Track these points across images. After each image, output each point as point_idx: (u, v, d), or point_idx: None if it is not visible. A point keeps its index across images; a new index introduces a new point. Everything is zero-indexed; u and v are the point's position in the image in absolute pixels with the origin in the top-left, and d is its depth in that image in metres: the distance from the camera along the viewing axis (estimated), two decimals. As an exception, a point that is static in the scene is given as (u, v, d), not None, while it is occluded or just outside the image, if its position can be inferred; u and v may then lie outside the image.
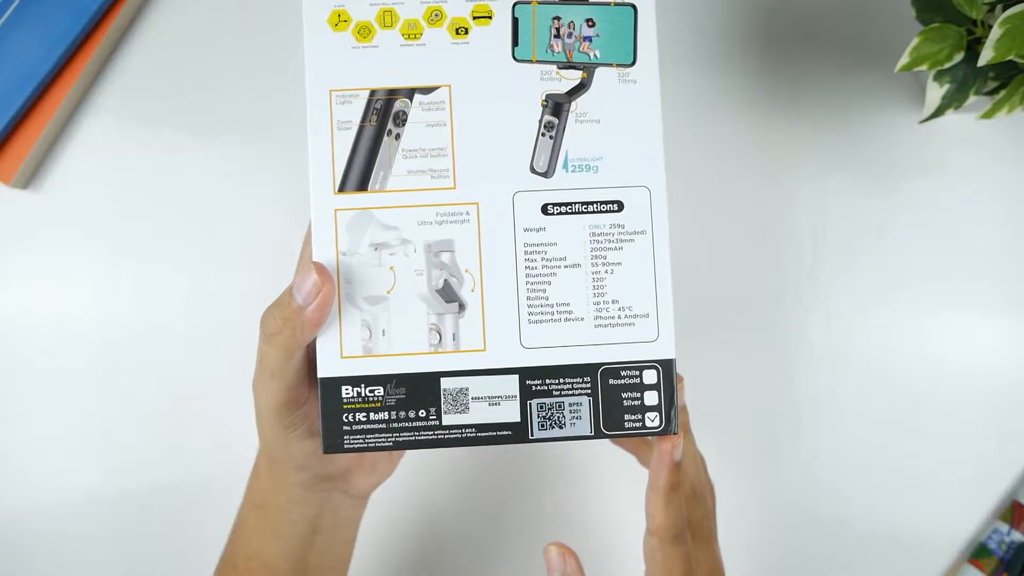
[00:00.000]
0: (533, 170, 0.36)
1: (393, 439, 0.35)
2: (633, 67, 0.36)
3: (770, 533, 0.53)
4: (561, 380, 0.36)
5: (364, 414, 0.35)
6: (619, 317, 0.36)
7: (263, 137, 0.55)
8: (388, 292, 0.35)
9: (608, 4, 0.36)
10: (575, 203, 0.36)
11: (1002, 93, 0.45)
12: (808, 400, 0.54)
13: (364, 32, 0.36)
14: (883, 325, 0.55)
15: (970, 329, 0.55)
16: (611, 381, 0.36)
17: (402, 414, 0.35)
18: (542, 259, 0.36)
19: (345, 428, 0.35)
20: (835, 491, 0.54)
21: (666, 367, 0.36)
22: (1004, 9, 0.42)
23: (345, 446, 0.35)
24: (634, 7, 0.36)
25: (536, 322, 0.36)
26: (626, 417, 0.36)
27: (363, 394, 0.35)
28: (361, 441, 0.35)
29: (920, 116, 0.47)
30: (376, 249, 0.35)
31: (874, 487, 0.54)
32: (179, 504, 0.53)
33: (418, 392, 0.35)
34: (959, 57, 0.45)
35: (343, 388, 0.35)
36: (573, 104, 0.36)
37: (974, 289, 0.55)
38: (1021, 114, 0.45)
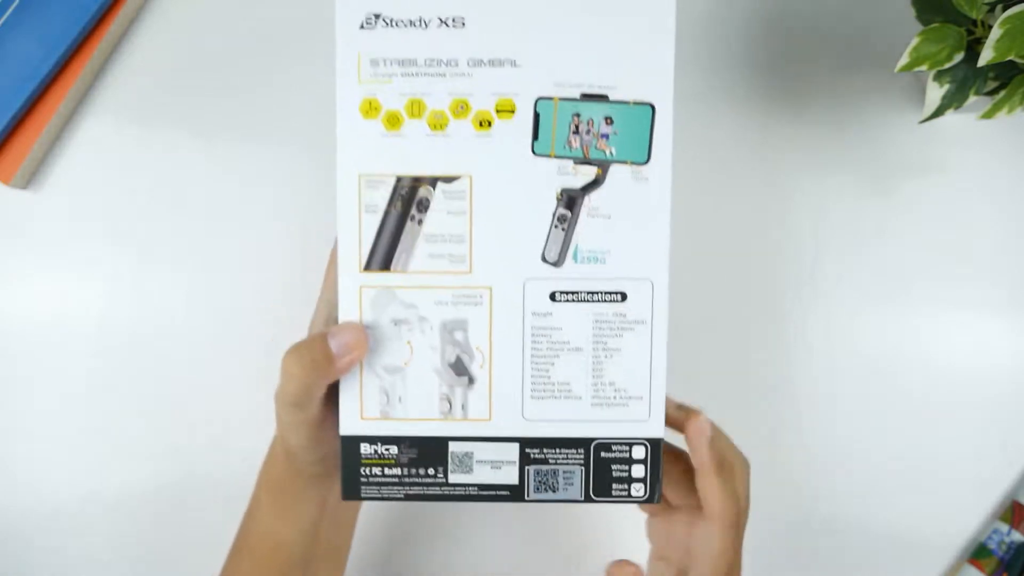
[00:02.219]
0: (544, 259, 0.38)
1: (404, 492, 0.39)
2: (646, 165, 0.38)
3: (770, 533, 0.53)
4: (557, 450, 0.39)
5: (379, 468, 0.39)
6: (614, 398, 0.39)
7: (263, 137, 0.55)
8: (405, 364, 0.38)
9: (627, 103, 0.37)
10: (581, 292, 0.38)
11: (1002, 93, 0.45)
12: (808, 400, 0.54)
13: (393, 121, 0.38)
14: (883, 325, 0.55)
15: (970, 329, 0.55)
16: (603, 454, 0.39)
17: (413, 471, 0.39)
18: (547, 342, 0.38)
19: (362, 479, 0.39)
20: (835, 491, 0.54)
21: (654, 444, 0.39)
22: (1004, 9, 0.42)
23: (362, 494, 0.39)
24: (652, 107, 0.37)
25: (538, 398, 0.39)
26: (614, 486, 0.39)
27: (379, 451, 0.39)
28: (376, 491, 0.39)
29: (920, 116, 0.47)
30: (396, 324, 0.38)
31: (874, 487, 0.54)
32: (179, 504, 0.53)
33: (428, 453, 0.39)
34: (959, 57, 0.45)
35: (362, 445, 0.39)
36: (586, 199, 0.38)
37: (974, 289, 0.55)
38: (1021, 114, 0.45)
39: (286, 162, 0.55)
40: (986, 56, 0.42)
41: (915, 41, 0.45)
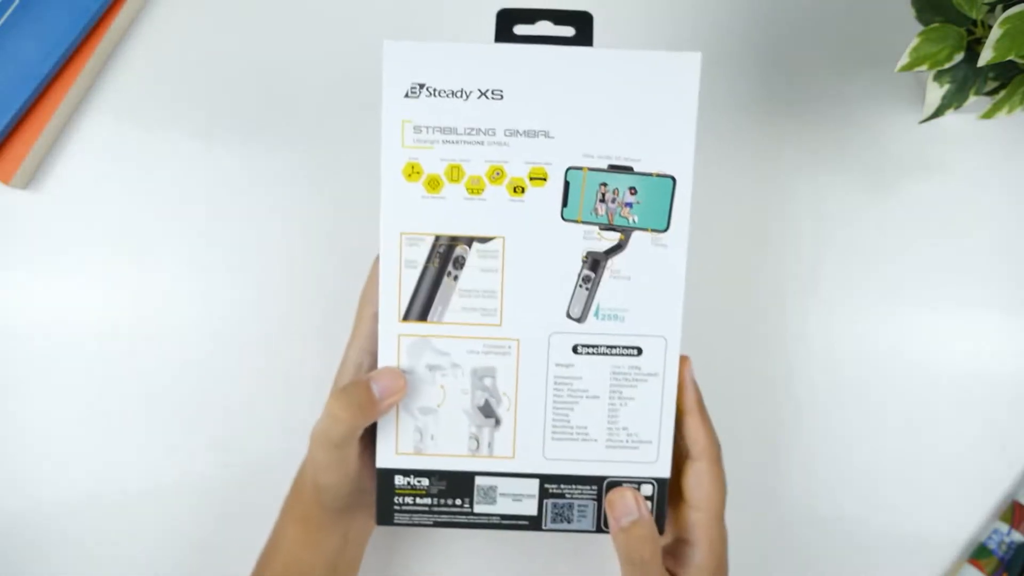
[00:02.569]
0: (569, 315, 0.41)
1: (433, 519, 0.43)
2: (666, 233, 0.41)
3: (770, 533, 0.53)
4: (573, 486, 0.42)
5: (411, 498, 0.42)
6: (627, 441, 0.42)
7: (263, 137, 0.55)
8: (438, 406, 0.42)
9: (651, 175, 0.41)
10: (601, 346, 0.42)
11: (1002, 93, 0.45)
12: (808, 400, 0.54)
13: (433, 184, 0.41)
14: (883, 325, 0.55)
15: (970, 329, 0.55)
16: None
17: (442, 501, 0.42)
18: (568, 390, 0.42)
19: (395, 507, 0.42)
20: (835, 491, 0.54)
21: (661, 483, 0.42)
22: (1004, 9, 0.42)
23: (395, 521, 0.43)
24: (674, 179, 0.41)
25: (558, 439, 0.42)
26: None
27: (412, 483, 0.42)
28: (407, 518, 0.43)
29: (920, 116, 0.47)
30: (431, 370, 0.42)
31: (874, 487, 0.54)
32: (179, 504, 0.53)
33: (456, 485, 0.42)
34: (959, 57, 0.45)
35: (396, 476, 0.42)
36: (609, 262, 0.41)
37: (974, 289, 0.55)
38: (1021, 114, 0.45)
39: (286, 162, 0.55)
40: (986, 56, 0.42)
41: (915, 41, 0.45)
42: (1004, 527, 0.53)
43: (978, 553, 0.53)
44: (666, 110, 0.40)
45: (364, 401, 0.40)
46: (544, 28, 0.41)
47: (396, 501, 0.42)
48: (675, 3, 0.56)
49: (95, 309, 0.54)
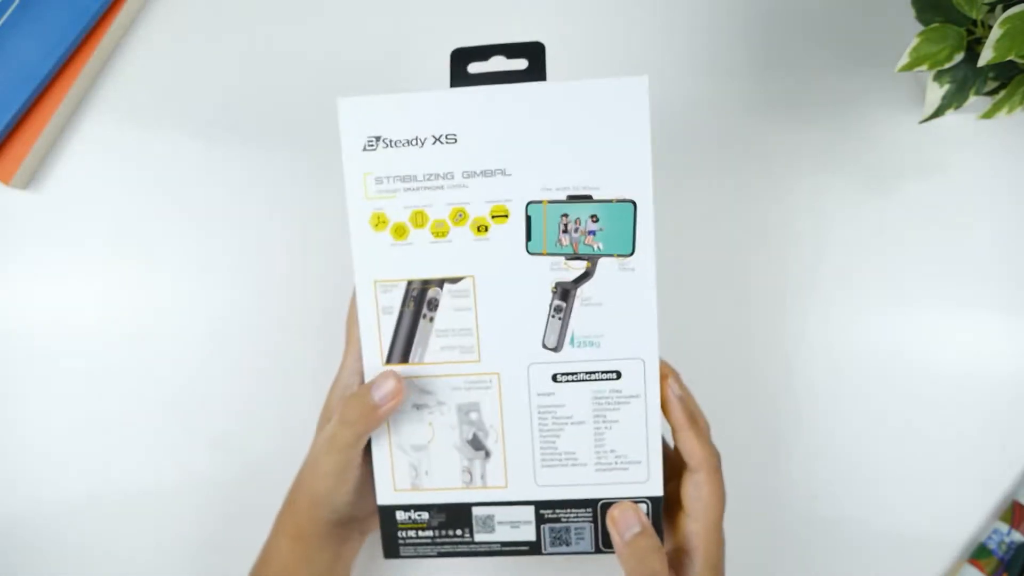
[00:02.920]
0: (545, 346, 0.42)
1: (437, 550, 0.44)
2: (632, 257, 0.41)
3: (770, 533, 0.53)
4: (568, 510, 0.43)
5: (414, 531, 0.44)
6: (616, 463, 0.43)
7: (263, 137, 0.55)
8: (428, 442, 0.43)
9: (610, 201, 0.41)
10: (580, 372, 0.42)
11: (1002, 93, 0.45)
12: (808, 400, 0.54)
13: (399, 231, 0.42)
14: (883, 325, 0.55)
15: (970, 329, 0.55)
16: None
17: (443, 532, 0.44)
18: (552, 417, 0.42)
19: (400, 541, 0.44)
20: (835, 491, 0.54)
21: (655, 502, 0.43)
22: (1004, 9, 0.42)
23: (401, 554, 0.44)
24: (634, 203, 0.41)
25: (548, 466, 0.43)
26: None
27: (412, 517, 0.44)
28: (412, 551, 0.44)
29: (920, 116, 0.47)
30: (418, 408, 0.43)
31: (874, 487, 0.54)
32: (179, 504, 0.53)
33: (455, 517, 0.43)
34: (959, 57, 0.45)
35: (397, 512, 0.44)
36: (579, 290, 0.41)
37: (974, 289, 0.55)
38: (1021, 114, 0.45)
39: (286, 163, 0.55)
40: (986, 56, 0.42)
41: (915, 41, 0.45)
42: (1004, 527, 0.53)
43: (978, 553, 0.53)
44: (620, 136, 0.40)
45: (368, 407, 0.41)
46: (498, 63, 0.42)
47: (400, 536, 0.44)
48: (676, 3, 0.56)
49: (95, 309, 0.54)
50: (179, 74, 0.55)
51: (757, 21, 0.57)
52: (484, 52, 0.42)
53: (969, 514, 0.54)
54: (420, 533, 0.44)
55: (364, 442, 0.42)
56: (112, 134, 0.55)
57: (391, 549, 0.44)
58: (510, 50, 0.42)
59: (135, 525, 0.53)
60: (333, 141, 0.55)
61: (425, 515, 0.43)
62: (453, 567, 0.52)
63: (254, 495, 0.52)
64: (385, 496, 0.43)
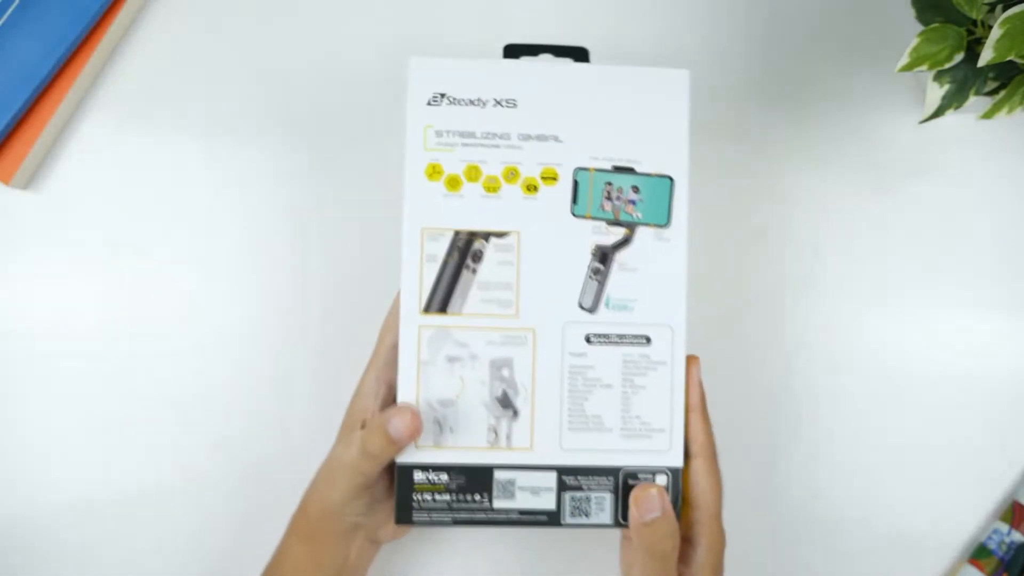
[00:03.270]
0: (581, 306, 0.43)
1: (452, 516, 0.43)
2: (667, 228, 0.44)
3: (770, 533, 0.53)
4: (591, 478, 0.43)
5: (431, 495, 0.43)
6: (640, 430, 0.44)
7: (263, 137, 0.55)
8: (457, 397, 0.43)
9: (650, 175, 0.44)
10: (612, 335, 0.44)
11: (1002, 93, 0.45)
12: (808, 400, 0.54)
13: (453, 183, 0.43)
14: (883, 325, 0.55)
15: (970, 329, 0.55)
16: (630, 481, 0.43)
17: (461, 496, 0.43)
18: (582, 379, 0.43)
19: (414, 505, 0.43)
20: (835, 491, 0.54)
21: (675, 472, 0.44)
22: (1004, 9, 0.42)
23: (414, 519, 0.43)
24: (671, 179, 0.44)
25: (574, 429, 0.43)
26: None
27: (431, 478, 0.43)
28: (426, 516, 0.43)
29: (920, 116, 0.47)
30: (450, 361, 0.43)
31: (874, 487, 0.54)
32: (179, 504, 0.53)
33: (475, 480, 0.43)
34: (959, 57, 0.45)
35: (415, 472, 0.43)
36: (617, 255, 0.44)
37: (974, 289, 0.55)
38: (1021, 114, 0.45)
39: (285, 162, 0.55)
40: (986, 56, 0.42)
41: (915, 41, 0.45)
42: (1004, 527, 0.53)
43: (978, 553, 0.53)
44: (661, 119, 0.44)
45: (386, 442, 0.41)
46: (546, 60, 0.46)
47: (415, 499, 0.43)
48: (676, 5, 0.56)
49: (95, 309, 0.54)
50: (179, 74, 0.55)
51: (757, 21, 0.57)
52: (534, 49, 0.46)
53: (969, 514, 0.54)
54: (437, 497, 0.43)
55: (384, 467, 0.42)
56: (112, 134, 0.55)
57: (404, 513, 0.43)
58: (557, 50, 0.46)
59: (135, 525, 0.53)
60: (333, 141, 0.55)
61: (444, 476, 0.43)
62: (461, 554, 0.52)
63: (254, 495, 0.52)
64: (406, 453, 0.43)
